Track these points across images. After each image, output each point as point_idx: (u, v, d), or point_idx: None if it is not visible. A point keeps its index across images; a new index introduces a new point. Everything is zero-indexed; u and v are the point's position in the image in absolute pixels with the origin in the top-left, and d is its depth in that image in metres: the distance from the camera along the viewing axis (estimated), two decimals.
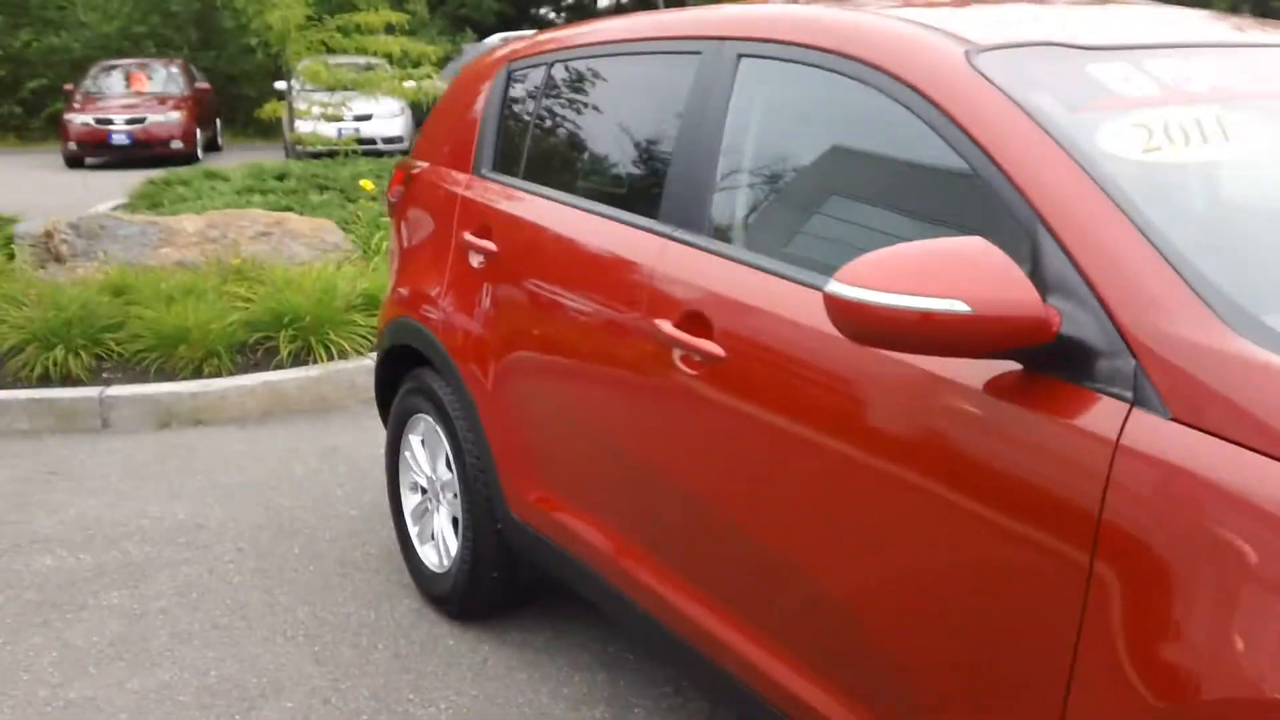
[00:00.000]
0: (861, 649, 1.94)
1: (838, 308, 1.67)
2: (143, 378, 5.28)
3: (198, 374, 5.30)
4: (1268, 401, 1.42)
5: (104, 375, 5.29)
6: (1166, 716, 1.43)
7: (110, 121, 17.70)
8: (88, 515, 4.12)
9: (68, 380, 5.19)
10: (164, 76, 19.64)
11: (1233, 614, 1.39)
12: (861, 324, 1.65)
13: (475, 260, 3.07)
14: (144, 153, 17.31)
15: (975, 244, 1.64)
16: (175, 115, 18.05)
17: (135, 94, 18.88)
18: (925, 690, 1.82)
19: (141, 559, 3.77)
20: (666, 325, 2.29)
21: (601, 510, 2.64)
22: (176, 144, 17.70)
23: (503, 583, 3.17)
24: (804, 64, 2.21)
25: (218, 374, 5.30)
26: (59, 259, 6.56)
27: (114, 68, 19.85)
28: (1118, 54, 2.03)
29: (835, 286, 1.67)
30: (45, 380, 5.18)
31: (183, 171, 10.33)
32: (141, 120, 17.79)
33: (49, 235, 6.66)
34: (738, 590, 2.22)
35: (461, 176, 3.27)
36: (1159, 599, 1.46)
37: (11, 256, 6.48)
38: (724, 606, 2.26)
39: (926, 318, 1.59)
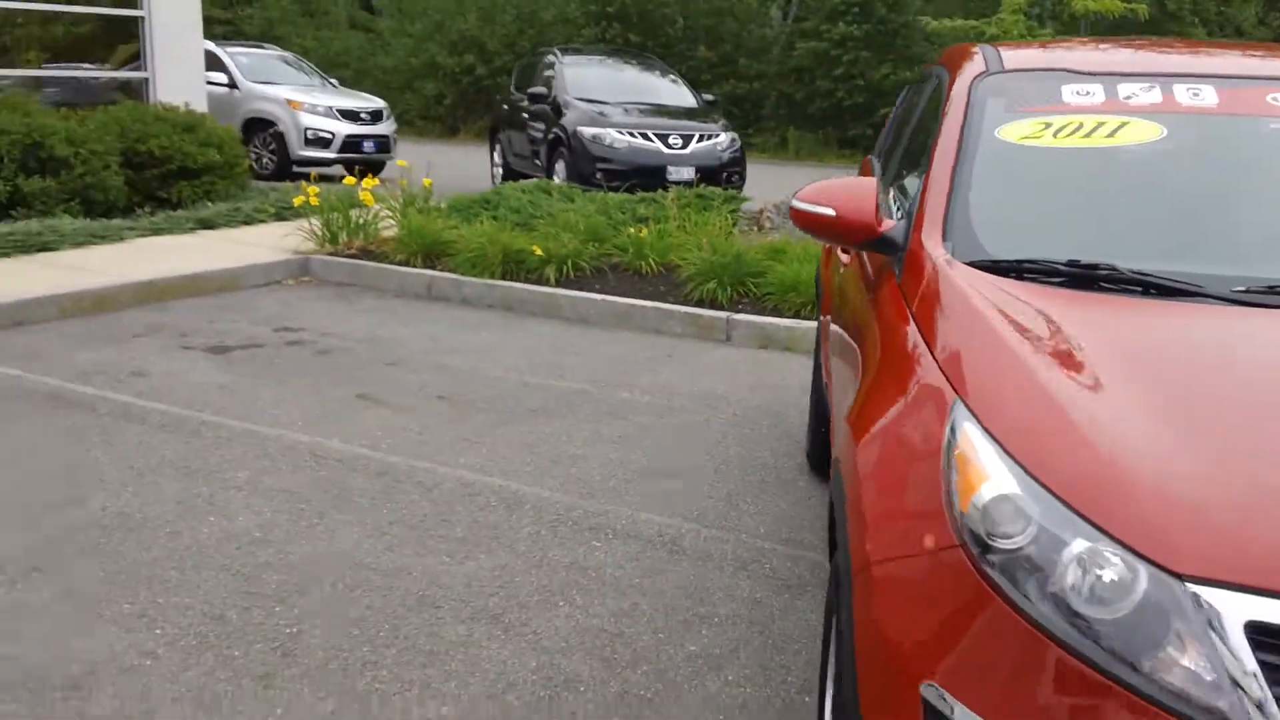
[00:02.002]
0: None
1: (790, 211, 2.95)
2: (761, 312, 7.30)
3: (796, 315, 7.17)
4: (921, 273, 2.50)
5: (737, 305, 7.42)
6: None
7: None
8: (668, 382, 6.22)
9: (714, 304, 7.41)
10: None
11: None
12: (797, 220, 2.92)
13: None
14: None
15: (866, 181, 2.82)
16: None
17: None
18: None
19: (675, 406, 5.75)
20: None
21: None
22: None
23: (824, 439, 4.55)
24: (936, 76, 3.37)
25: (809, 318, 7.11)
26: (760, 229, 8.89)
27: None
28: (1102, 78, 2.89)
29: (792, 199, 2.95)
30: (700, 302, 7.47)
31: None
32: None
33: (760, 212, 9.03)
34: None
35: None
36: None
37: (734, 225, 8.95)
38: None
39: (815, 217, 2.82)
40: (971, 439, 1.88)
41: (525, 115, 13.88)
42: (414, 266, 8.45)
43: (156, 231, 9.41)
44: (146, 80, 11.93)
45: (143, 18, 11.77)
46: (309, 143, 15.10)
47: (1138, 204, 2.73)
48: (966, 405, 1.96)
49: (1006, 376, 2.05)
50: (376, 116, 16.02)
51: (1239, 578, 1.56)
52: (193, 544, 3.85)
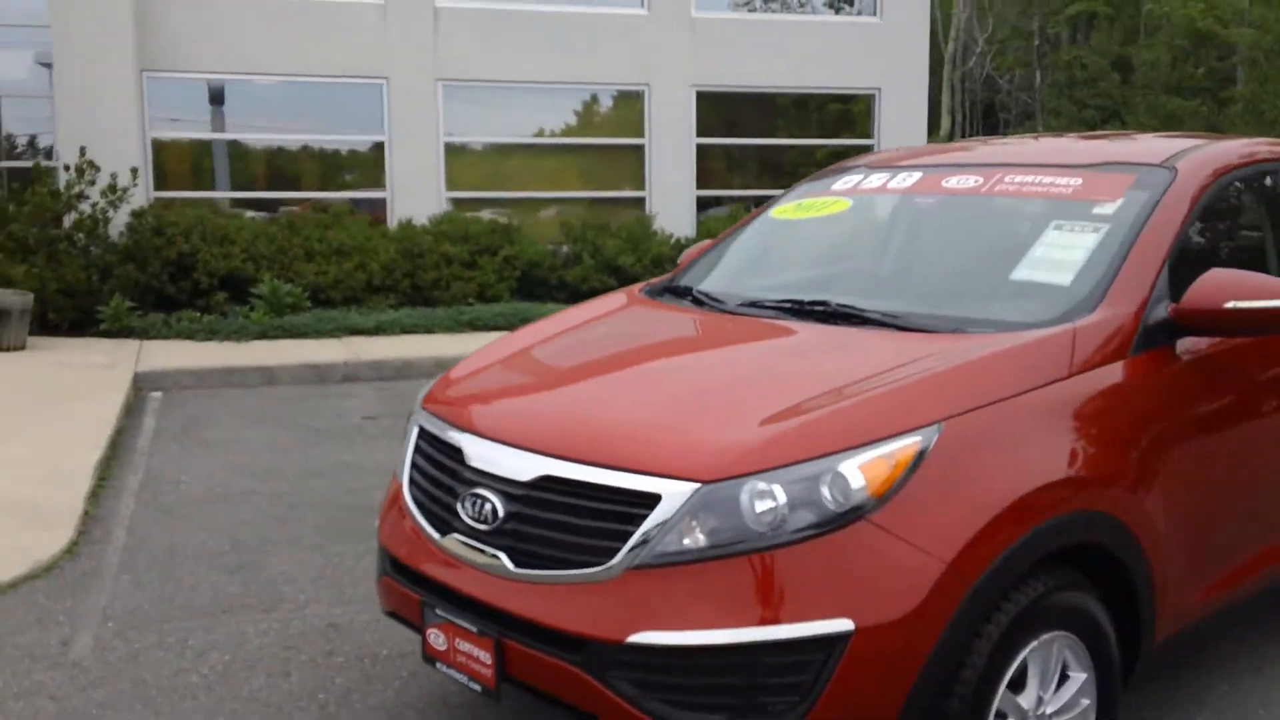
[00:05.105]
0: None
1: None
2: None
3: None
4: None
5: None
6: None
7: None
8: None
9: None
10: None
11: None
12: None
13: None
14: None
15: (706, 243, 4.17)
16: None
17: None
18: None
19: None
20: None
21: None
22: None
23: None
24: None
25: None
26: None
27: None
28: (867, 170, 3.82)
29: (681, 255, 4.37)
30: None
31: None
32: None
33: None
34: None
35: None
36: None
37: None
38: None
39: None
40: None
41: None
42: None
43: None
44: None
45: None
46: None
47: (780, 253, 3.72)
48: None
49: (526, 331, 3.54)
50: None
51: (429, 405, 3.09)
52: None
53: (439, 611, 2.78)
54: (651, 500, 2.44)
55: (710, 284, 3.68)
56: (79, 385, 7.97)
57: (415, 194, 12.56)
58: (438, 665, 2.83)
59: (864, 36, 14.14)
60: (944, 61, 36.69)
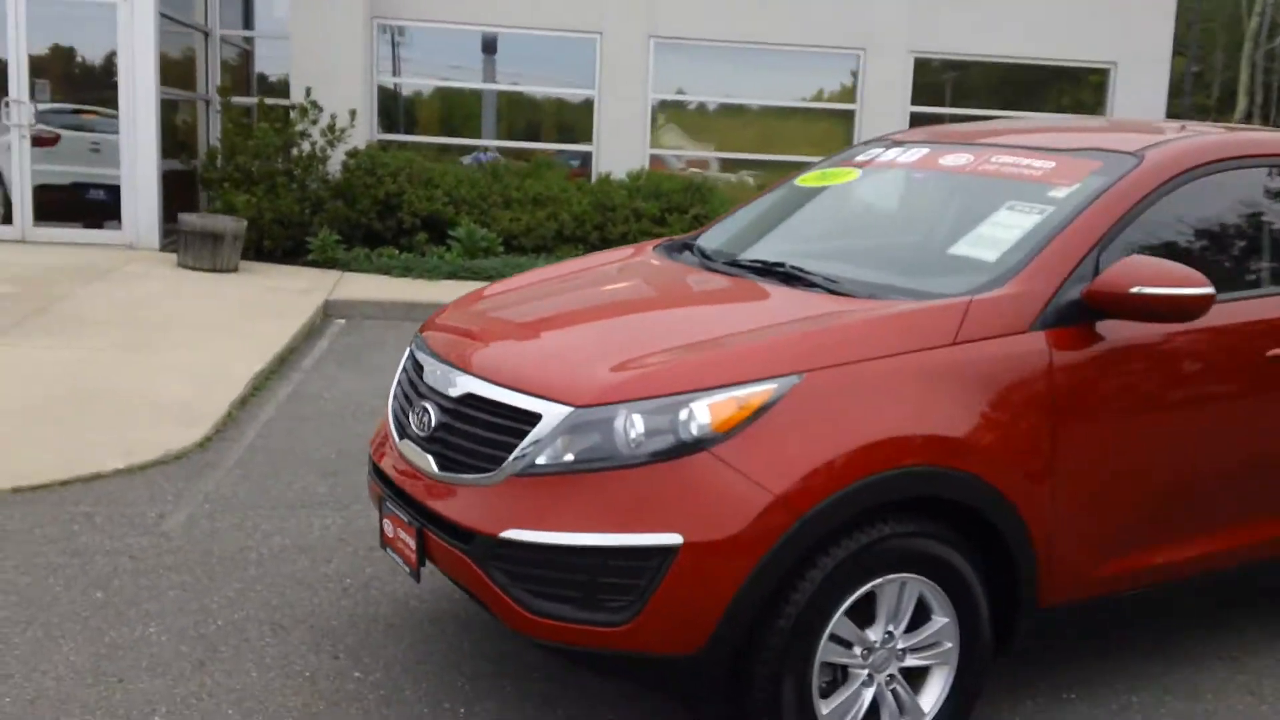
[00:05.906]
0: None
1: None
2: None
3: None
4: None
5: None
6: None
7: None
8: None
9: None
10: None
11: None
12: None
13: None
14: None
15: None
16: None
17: None
18: None
19: None
20: None
21: None
22: None
23: None
24: None
25: None
26: None
27: None
28: (889, 145, 3.93)
29: None
30: None
31: None
32: None
33: None
34: None
35: None
36: None
37: None
38: None
39: None
40: None
41: None
42: None
43: None
44: None
45: None
46: None
47: (786, 217, 3.83)
48: None
49: (530, 273, 3.83)
50: None
51: (420, 332, 3.44)
52: None
53: (389, 504, 3.19)
54: (535, 418, 2.75)
55: (717, 241, 3.92)
56: (272, 306, 8.91)
57: (619, 149, 13.03)
58: (386, 550, 3.24)
59: (1101, 7, 13.44)
60: (1244, 38, 34.05)
